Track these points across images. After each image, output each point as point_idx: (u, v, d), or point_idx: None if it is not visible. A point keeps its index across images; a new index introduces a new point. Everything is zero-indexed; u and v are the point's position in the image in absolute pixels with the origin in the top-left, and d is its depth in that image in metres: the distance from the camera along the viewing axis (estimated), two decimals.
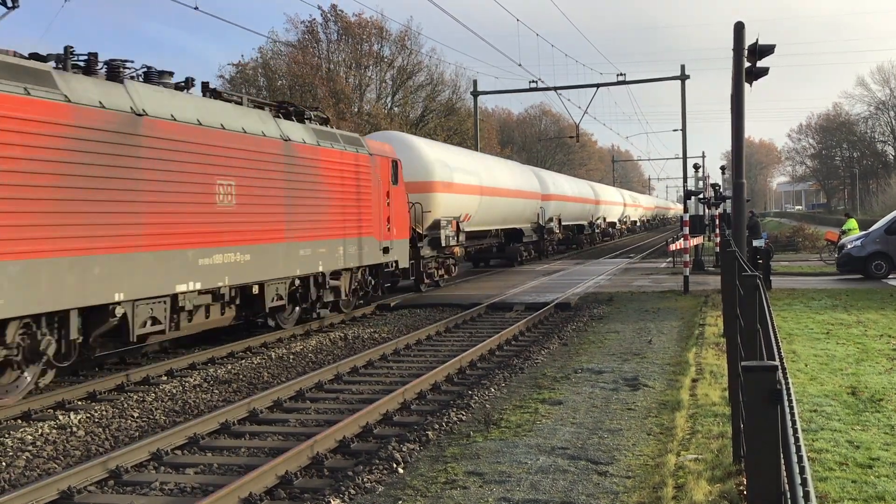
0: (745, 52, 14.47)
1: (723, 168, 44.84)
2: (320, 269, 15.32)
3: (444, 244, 22.60)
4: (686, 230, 22.79)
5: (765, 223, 64.91)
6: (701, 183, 35.48)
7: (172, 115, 11.50)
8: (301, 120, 15.63)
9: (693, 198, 30.92)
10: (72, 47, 10.48)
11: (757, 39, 14.71)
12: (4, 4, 10.01)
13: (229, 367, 12.02)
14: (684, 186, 35.96)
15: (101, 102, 10.22)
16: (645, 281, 24.16)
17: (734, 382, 7.26)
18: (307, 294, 15.34)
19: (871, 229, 23.94)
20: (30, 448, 7.97)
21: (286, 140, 14.32)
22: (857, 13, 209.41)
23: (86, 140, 9.87)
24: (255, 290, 13.51)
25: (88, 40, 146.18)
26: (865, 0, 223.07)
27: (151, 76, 11.93)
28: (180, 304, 11.73)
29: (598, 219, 49.18)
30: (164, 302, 11.36)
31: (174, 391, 10.51)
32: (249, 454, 7.77)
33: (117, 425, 8.89)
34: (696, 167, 36.10)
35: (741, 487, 5.84)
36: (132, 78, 11.33)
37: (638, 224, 75.38)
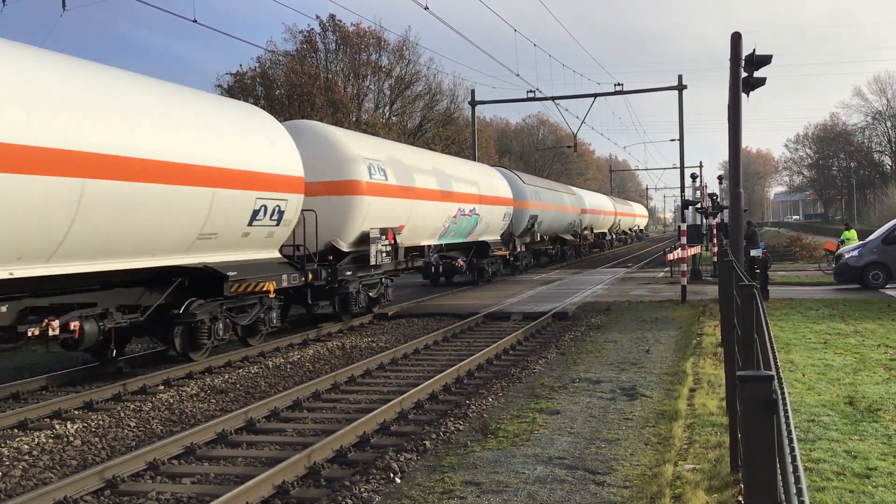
0: (742, 62, 14.51)
1: (720, 178, 44.96)
2: None
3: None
4: (683, 240, 22.83)
5: (762, 233, 64.95)
6: (698, 193, 35.51)
7: None
8: None
9: (690, 207, 30.99)
10: None
11: (754, 50, 14.73)
12: None
13: (226, 377, 12.00)
14: (682, 196, 36.01)
15: None
16: (642, 290, 24.16)
17: (731, 392, 7.25)
18: None
19: (868, 239, 23.95)
20: (26, 457, 7.95)
21: None
22: (850, 25, 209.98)
23: None
24: None
25: (87, 49, 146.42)
26: (858, 11, 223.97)
27: None
28: None
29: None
30: None
31: (171, 400, 10.49)
32: (246, 464, 7.76)
33: (114, 435, 8.87)
34: (693, 177, 36.17)
35: (739, 497, 5.83)
36: None
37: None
